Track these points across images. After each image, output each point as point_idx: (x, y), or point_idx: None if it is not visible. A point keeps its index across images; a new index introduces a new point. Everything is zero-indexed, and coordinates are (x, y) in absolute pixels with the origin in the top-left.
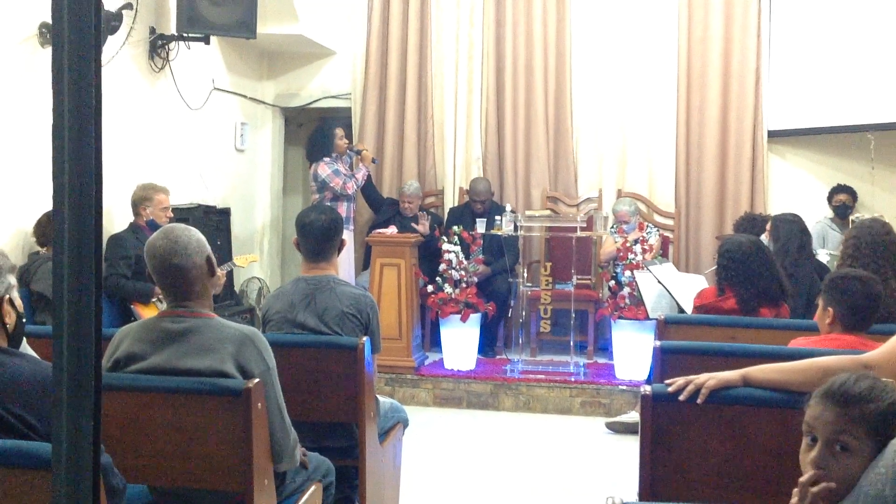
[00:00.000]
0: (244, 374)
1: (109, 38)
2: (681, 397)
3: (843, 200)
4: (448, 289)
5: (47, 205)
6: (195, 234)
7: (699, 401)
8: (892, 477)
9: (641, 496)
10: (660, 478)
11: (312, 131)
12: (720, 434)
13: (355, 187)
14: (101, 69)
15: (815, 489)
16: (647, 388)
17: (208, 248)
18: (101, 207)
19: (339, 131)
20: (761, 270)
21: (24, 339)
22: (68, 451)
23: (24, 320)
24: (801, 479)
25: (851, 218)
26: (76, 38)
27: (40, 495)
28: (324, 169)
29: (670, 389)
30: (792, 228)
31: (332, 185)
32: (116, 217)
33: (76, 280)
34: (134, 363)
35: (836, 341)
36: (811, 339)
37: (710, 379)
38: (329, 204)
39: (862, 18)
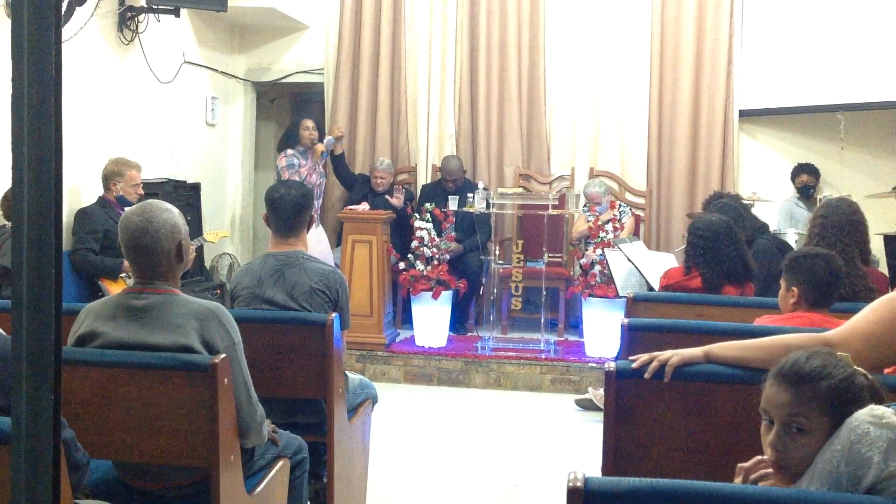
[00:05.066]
0: (209, 349)
1: (77, 9)
2: (645, 375)
3: (806, 181)
4: (420, 266)
5: None
6: (171, 219)
7: (665, 380)
8: (846, 454)
9: (605, 471)
10: (623, 453)
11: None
12: (683, 410)
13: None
14: (62, 39)
15: (754, 476)
16: (612, 365)
17: (182, 232)
18: (60, 179)
19: (307, 122)
20: (728, 251)
21: None
22: (28, 426)
23: None
24: (747, 465)
25: (819, 197)
26: (36, 8)
27: (1, 470)
28: (281, 161)
29: (634, 365)
30: (722, 209)
31: (283, 178)
32: (85, 191)
33: (36, 252)
34: (97, 339)
35: (800, 319)
36: (776, 318)
37: (674, 356)
38: None
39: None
